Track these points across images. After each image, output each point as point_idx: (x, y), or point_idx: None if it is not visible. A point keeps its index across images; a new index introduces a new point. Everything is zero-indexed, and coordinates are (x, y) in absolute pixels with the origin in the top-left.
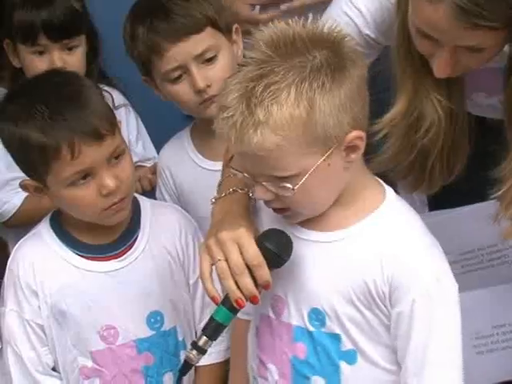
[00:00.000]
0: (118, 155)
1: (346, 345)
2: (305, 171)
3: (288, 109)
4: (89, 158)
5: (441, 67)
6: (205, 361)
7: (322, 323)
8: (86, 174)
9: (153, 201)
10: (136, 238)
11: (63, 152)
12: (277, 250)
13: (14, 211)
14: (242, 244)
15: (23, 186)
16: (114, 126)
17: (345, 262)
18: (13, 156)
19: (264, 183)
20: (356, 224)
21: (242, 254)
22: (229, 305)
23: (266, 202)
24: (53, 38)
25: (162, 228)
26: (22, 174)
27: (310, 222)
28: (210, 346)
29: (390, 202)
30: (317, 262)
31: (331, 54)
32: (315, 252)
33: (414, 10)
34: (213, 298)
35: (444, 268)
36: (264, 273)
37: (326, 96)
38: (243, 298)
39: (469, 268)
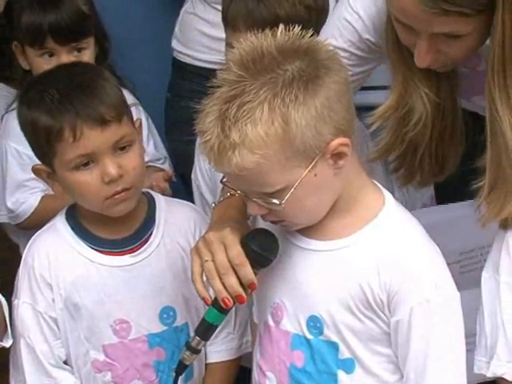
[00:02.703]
0: (124, 146)
1: (344, 353)
2: (291, 185)
3: (262, 127)
4: (91, 142)
5: (420, 56)
6: (215, 358)
7: (320, 331)
8: (90, 160)
9: (167, 198)
10: (151, 234)
11: (65, 134)
12: (260, 250)
13: (30, 211)
14: (226, 244)
15: (35, 171)
16: (121, 114)
17: (343, 269)
18: (28, 141)
19: (255, 199)
20: (356, 233)
21: (226, 254)
22: (218, 305)
23: (262, 216)
24: (60, 41)
25: (176, 224)
26: None
27: (309, 231)
28: (203, 346)
29: (389, 208)
30: (315, 269)
31: (303, 64)
32: (314, 260)
33: None
34: (203, 299)
35: (444, 275)
36: (247, 272)
37: (301, 109)
38: (229, 298)
39: (468, 268)
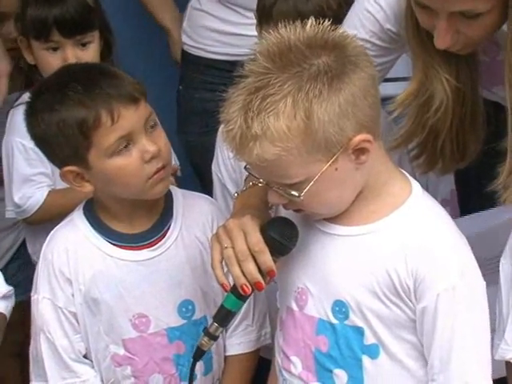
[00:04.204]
0: (152, 124)
1: (369, 339)
2: (311, 178)
3: (285, 120)
4: (128, 121)
5: (440, 36)
6: (234, 351)
7: (346, 316)
8: (128, 143)
9: (184, 191)
10: (168, 228)
11: (103, 119)
12: (279, 238)
13: (37, 206)
14: (246, 231)
15: (62, 175)
16: (145, 92)
17: (369, 254)
18: (47, 149)
19: (275, 189)
20: (382, 219)
21: (246, 240)
22: (237, 292)
23: (283, 205)
24: (65, 33)
25: (194, 218)
26: (42, 170)
27: (334, 217)
28: (221, 333)
29: (417, 196)
30: (341, 255)
31: (330, 59)
32: (339, 245)
33: None
34: (222, 285)
35: (470, 263)
36: (266, 259)
37: (324, 104)
38: (248, 285)
39: (491, 271)
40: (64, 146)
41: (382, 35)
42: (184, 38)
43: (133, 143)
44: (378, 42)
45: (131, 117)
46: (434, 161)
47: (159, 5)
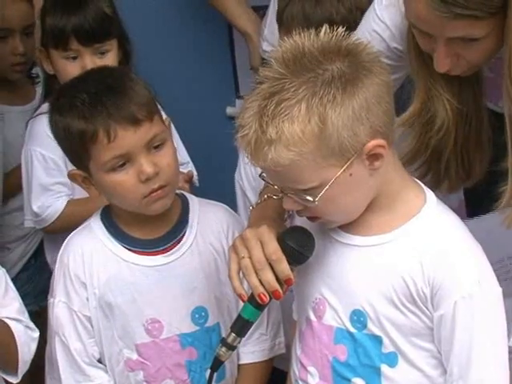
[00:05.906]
0: (157, 144)
1: (388, 347)
2: (325, 183)
3: (299, 125)
4: (126, 142)
5: (439, 60)
6: (248, 359)
7: (364, 325)
8: (126, 161)
9: (200, 199)
10: (184, 234)
11: (100, 136)
12: (296, 246)
13: (56, 216)
14: (263, 240)
15: (71, 176)
16: (152, 113)
17: (386, 263)
18: (61, 147)
19: (290, 195)
20: (398, 228)
21: (263, 250)
22: (254, 301)
23: (297, 212)
24: (84, 42)
25: (209, 225)
26: (61, 179)
27: (351, 227)
28: (239, 343)
29: (431, 205)
30: (358, 264)
31: (344, 65)
32: (356, 255)
33: (404, 5)
34: (239, 296)
35: (486, 270)
36: (284, 267)
37: (338, 109)
38: (266, 293)
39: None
40: (70, 150)
41: (389, 54)
42: (265, 46)
43: (131, 162)
44: (384, 60)
45: (130, 138)
46: (439, 180)
47: (239, 11)
